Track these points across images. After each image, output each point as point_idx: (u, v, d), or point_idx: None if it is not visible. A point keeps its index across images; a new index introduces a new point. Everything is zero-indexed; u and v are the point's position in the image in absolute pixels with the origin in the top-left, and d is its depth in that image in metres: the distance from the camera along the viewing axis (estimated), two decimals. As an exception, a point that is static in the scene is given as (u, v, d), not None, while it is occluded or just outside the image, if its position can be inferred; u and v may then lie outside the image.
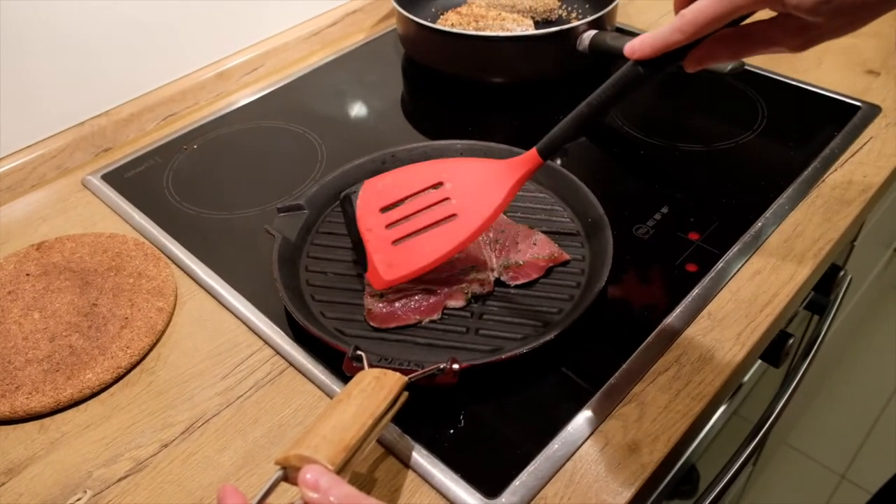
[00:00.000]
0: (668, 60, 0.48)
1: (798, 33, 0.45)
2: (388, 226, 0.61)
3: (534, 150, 0.59)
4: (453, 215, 0.60)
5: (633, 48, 0.48)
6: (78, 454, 0.57)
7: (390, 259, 0.60)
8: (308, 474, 0.40)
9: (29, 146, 0.84)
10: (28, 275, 0.71)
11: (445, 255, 0.59)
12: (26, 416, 0.60)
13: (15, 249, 0.75)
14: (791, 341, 0.75)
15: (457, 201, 0.60)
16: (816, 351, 0.84)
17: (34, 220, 0.81)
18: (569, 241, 0.70)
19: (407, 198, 0.62)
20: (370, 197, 0.63)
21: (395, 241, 0.61)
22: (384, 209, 0.62)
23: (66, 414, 0.60)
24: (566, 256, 0.67)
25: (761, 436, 0.76)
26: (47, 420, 0.60)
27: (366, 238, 0.62)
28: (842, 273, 0.84)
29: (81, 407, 0.61)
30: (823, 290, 0.84)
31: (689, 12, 0.44)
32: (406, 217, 0.61)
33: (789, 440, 1.60)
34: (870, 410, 1.66)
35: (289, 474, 0.42)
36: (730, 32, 0.47)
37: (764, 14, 0.46)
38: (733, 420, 0.86)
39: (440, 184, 0.61)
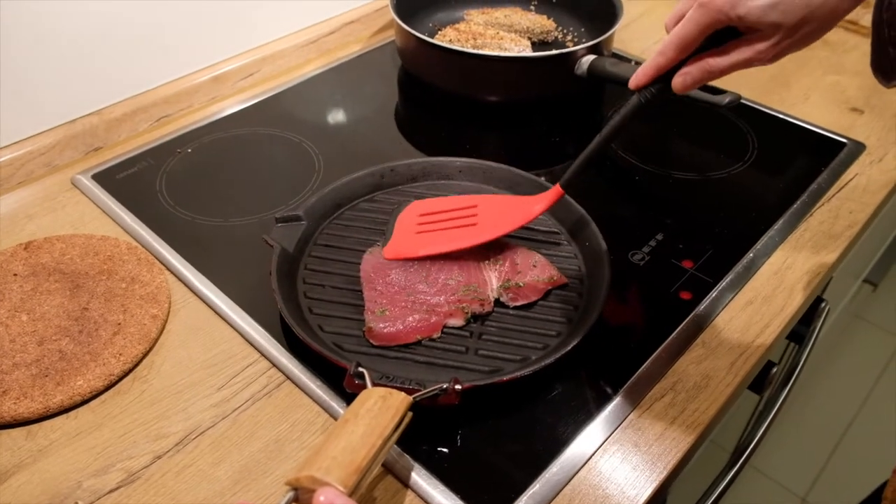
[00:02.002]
0: (661, 82, 0.55)
1: (763, 43, 0.51)
2: (420, 225, 0.71)
3: (557, 185, 0.67)
4: (473, 225, 0.69)
5: (634, 78, 0.56)
6: (67, 463, 0.56)
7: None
8: (322, 496, 0.40)
9: (17, 142, 0.82)
10: (15, 275, 0.69)
11: (452, 247, 0.68)
12: (13, 422, 0.58)
13: (0, 248, 0.73)
14: (775, 370, 0.77)
15: (481, 217, 0.70)
16: (796, 379, 0.86)
17: (20, 217, 0.78)
18: (566, 264, 0.70)
19: (443, 212, 0.72)
20: (413, 210, 0.73)
21: (418, 232, 0.70)
22: (423, 216, 0.72)
23: (55, 421, 0.59)
24: (565, 280, 0.68)
25: (740, 465, 0.77)
26: (35, 427, 0.58)
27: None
28: (823, 304, 0.86)
29: (71, 414, 0.59)
30: (804, 320, 0.86)
31: (668, 37, 0.53)
32: (434, 222, 0.71)
33: (752, 461, 1.63)
34: (832, 435, 1.70)
35: (300, 496, 0.42)
36: (709, 54, 0.53)
37: None
38: (707, 445, 0.87)
39: (474, 206, 0.71)
